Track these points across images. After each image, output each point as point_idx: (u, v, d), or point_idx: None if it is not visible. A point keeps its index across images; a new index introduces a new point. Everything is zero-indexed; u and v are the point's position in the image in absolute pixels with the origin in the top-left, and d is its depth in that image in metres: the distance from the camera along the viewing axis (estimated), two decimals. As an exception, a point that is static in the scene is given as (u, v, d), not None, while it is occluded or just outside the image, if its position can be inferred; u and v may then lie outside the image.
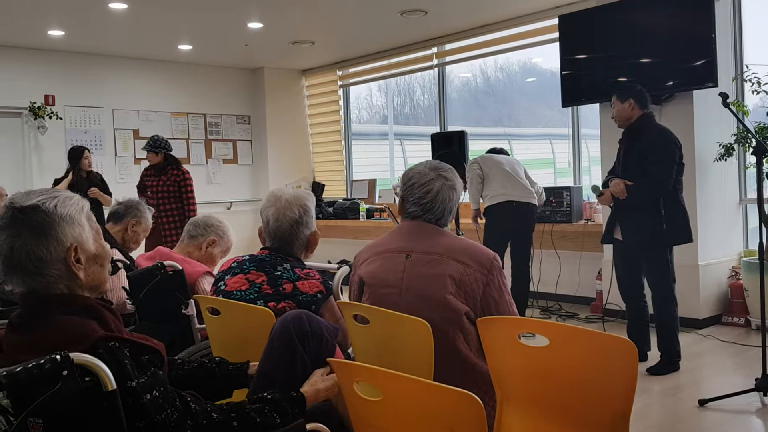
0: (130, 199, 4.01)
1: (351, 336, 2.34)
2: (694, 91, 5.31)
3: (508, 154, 5.98)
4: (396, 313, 2.09)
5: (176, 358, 2.13)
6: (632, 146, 4.35)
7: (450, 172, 2.37)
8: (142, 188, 6.73)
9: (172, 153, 6.64)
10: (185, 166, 6.70)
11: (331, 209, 8.84)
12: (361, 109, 10.23)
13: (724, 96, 3.82)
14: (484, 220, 5.72)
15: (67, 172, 6.72)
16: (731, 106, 3.88)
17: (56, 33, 7.23)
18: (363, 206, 8.42)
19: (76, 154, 6.72)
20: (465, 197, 6.09)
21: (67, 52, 8.08)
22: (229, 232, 3.48)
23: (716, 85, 5.02)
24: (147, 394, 1.44)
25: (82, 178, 6.68)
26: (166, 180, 6.53)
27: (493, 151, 5.95)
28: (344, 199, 9.07)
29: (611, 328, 5.29)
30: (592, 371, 1.75)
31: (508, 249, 5.68)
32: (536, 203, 5.66)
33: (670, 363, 4.35)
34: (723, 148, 5.26)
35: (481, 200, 5.70)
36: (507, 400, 1.93)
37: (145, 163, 6.90)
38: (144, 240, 6.50)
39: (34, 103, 7.78)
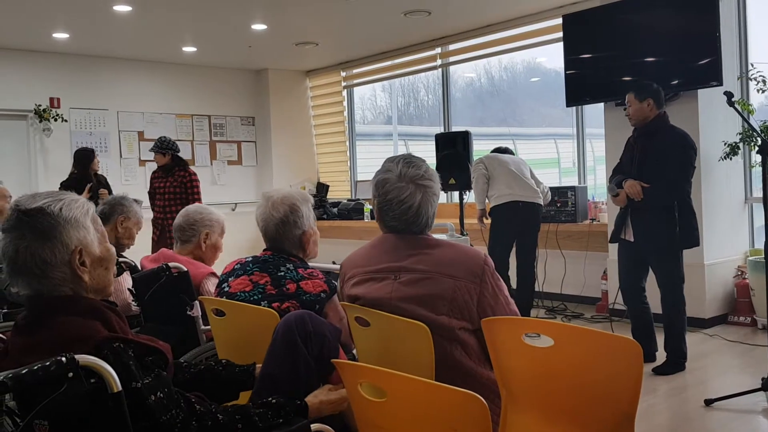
0: (113, 196, 3.93)
1: (354, 337, 2.34)
2: (699, 90, 5.29)
3: (514, 154, 5.97)
4: (394, 316, 2.08)
5: (182, 361, 2.13)
6: (649, 147, 4.30)
7: (426, 177, 2.16)
8: (153, 193, 6.74)
9: (179, 154, 6.65)
10: (191, 168, 6.71)
11: (335, 210, 8.85)
12: (365, 109, 10.25)
13: (729, 95, 3.80)
14: (489, 221, 5.71)
15: (71, 174, 6.70)
16: (736, 105, 3.86)
17: (61, 36, 7.25)
18: (367, 207, 8.43)
19: (89, 156, 6.69)
20: (470, 197, 6.09)
21: (72, 55, 8.10)
22: (213, 215, 3.33)
23: (721, 84, 5.00)
24: (151, 395, 1.45)
25: (93, 180, 6.69)
26: (173, 181, 6.54)
27: (498, 150, 5.94)
28: (348, 200, 9.08)
29: (618, 328, 5.28)
30: (597, 371, 1.74)
31: (513, 249, 5.68)
32: (542, 203, 5.64)
33: (675, 363, 4.34)
34: (728, 147, 5.24)
35: (487, 200, 5.69)
36: (512, 400, 1.93)
37: (152, 166, 6.91)
38: (151, 240, 6.57)
39: (40, 105, 7.81)
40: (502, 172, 5.57)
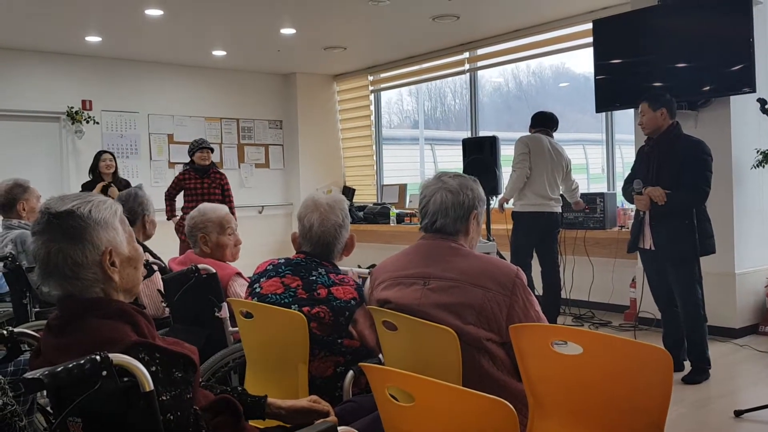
0: (130, 201, 3.66)
1: (381, 341, 2.34)
2: (732, 97, 5.22)
3: (556, 127, 5.84)
4: (422, 321, 2.08)
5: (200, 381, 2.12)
6: (666, 155, 4.30)
7: (455, 180, 2.26)
8: (174, 194, 6.77)
9: None
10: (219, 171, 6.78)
11: (361, 214, 8.86)
12: (392, 113, 10.25)
13: (762, 102, 3.77)
14: (504, 213, 5.77)
15: (91, 182, 6.74)
16: (770, 112, 3.82)
17: (94, 39, 7.37)
18: (393, 211, 8.42)
19: (96, 158, 6.72)
20: (495, 203, 6.05)
21: (104, 58, 8.22)
22: (205, 216, 3.25)
23: (754, 91, 4.93)
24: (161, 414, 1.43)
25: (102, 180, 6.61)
26: (210, 183, 6.55)
27: (541, 122, 5.79)
28: (374, 204, 9.08)
29: (644, 337, 5.22)
30: (626, 380, 1.72)
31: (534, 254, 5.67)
32: (560, 210, 5.66)
33: (701, 370, 4.32)
34: (761, 154, 5.15)
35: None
36: (539, 408, 1.92)
37: (179, 168, 6.94)
38: (179, 241, 6.61)
39: (72, 107, 7.93)
40: (540, 175, 5.53)
